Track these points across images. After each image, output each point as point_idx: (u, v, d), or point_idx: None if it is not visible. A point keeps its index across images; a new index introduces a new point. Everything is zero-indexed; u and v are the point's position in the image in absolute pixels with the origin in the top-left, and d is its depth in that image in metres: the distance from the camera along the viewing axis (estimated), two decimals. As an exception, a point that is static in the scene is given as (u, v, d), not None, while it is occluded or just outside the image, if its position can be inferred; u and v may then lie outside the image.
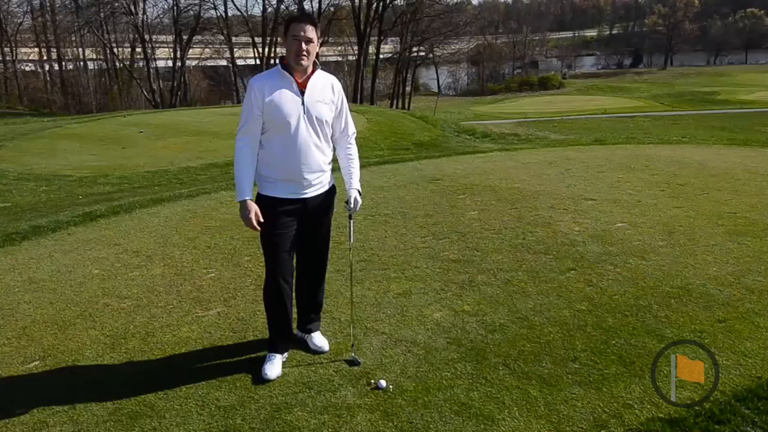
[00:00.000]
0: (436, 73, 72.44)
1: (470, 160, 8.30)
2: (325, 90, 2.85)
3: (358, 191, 2.96)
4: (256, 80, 2.81)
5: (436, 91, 68.06)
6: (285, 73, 2.78)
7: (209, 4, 38.78)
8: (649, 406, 2.60)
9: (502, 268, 4.15)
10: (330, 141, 2.93)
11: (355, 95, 38.73)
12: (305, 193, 2.85)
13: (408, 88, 50.24)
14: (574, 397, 2.68)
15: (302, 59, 2.72)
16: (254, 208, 2.76)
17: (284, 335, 3.00)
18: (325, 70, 2.91)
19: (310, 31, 2.72)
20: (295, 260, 3.03)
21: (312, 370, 2.95)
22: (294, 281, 3.02)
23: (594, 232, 4.85)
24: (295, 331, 3.19)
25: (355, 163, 3.01)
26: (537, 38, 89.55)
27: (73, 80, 41.67)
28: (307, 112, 2.78)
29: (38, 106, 36.64)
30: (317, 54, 2.79)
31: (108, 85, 43.41)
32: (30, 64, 42.20)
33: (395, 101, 46.81)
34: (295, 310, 3.16)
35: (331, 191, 2.99)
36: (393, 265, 4.27)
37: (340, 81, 2.97)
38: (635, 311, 3.46)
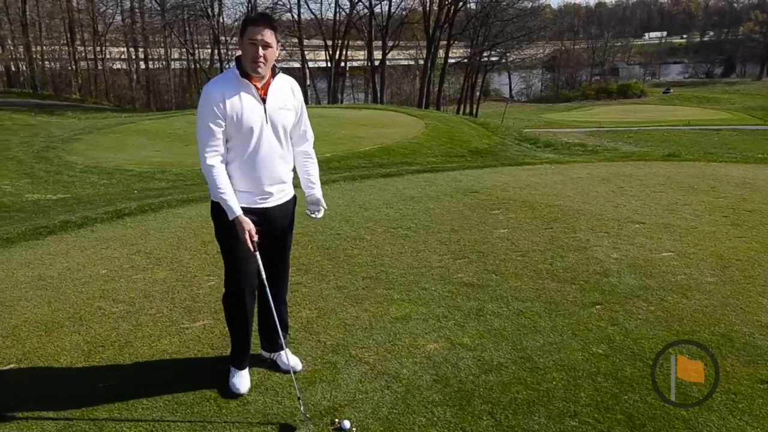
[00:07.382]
0: (509, 78, 70.87)
1: (516, 171, 7.82)
2: (286, 95, 2.62)
3: (322, 203, 2.83)
4: (213, 87, 2.49)
5: (508, 96, 66.56)
6: (243, 79, 2.52)
7: (284, 7, 39.87)
8: (652, 485, 2.17)
9: (518, 297, 3.74)
10: (291, 149, 2.73)
11: (420, 99, 38.45)
12: (267, 203, 2.67)
13: (477, 94, 49.34)
14: (562, 462, 2.29)
15: (259, 66, 2.47)
16: (249, 225, 2.53)
17: (247, 349, 2.86)
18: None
19: (269, 36, 2.45)
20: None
21: (277, 400, 2.71)
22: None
23: (633, 261, 4.32)
24: (260, 351, 3.02)
25: (316, 171, 2.84)
26: (619, 44, 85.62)
27: (155, 79, 44.11)
28: (270, 121, 2.56)
29: (122, 102, 39.01)
30: (277, 59, 2.55)
31: (187, 83, 45.61)
32: (118, 62, 45.08)
33: (462, 106, 46.07)
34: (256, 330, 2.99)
35: (293, 200, 2.82)
36: (399, 284, 3.97)
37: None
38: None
